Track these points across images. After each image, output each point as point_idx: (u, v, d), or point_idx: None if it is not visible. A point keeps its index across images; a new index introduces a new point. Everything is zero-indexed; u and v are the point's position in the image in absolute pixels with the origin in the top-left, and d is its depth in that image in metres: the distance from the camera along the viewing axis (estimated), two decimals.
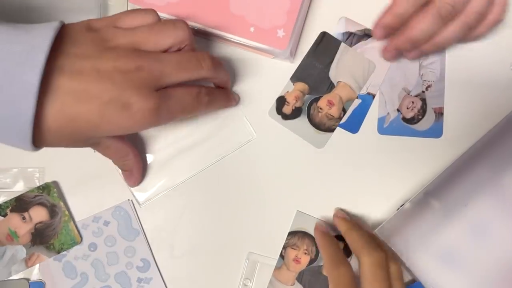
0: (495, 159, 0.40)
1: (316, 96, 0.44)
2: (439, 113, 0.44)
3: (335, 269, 0.38)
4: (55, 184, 0.44)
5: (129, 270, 0.44)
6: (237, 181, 0.44)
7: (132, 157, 0.41)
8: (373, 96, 0.45)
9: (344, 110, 0.44)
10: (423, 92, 0.44)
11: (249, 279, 0.44)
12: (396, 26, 0.41)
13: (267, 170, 0.44)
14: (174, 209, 0.44)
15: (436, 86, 0.44)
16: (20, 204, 0.43)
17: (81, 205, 0.44)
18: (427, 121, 0.44)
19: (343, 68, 0.44)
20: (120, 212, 0.44)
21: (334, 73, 0.45)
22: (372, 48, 0.45)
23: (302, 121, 0.44)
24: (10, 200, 0.43)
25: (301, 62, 0.45)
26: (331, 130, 0.44)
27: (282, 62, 0.45)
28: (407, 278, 0.43)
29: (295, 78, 0.45)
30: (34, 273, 0.43)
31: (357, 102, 0.45)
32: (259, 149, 0.45)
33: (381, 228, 0.41)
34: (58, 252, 0.43)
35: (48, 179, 0.44)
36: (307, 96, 0.45)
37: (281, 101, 0.45)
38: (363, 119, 0.45)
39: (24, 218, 0.43)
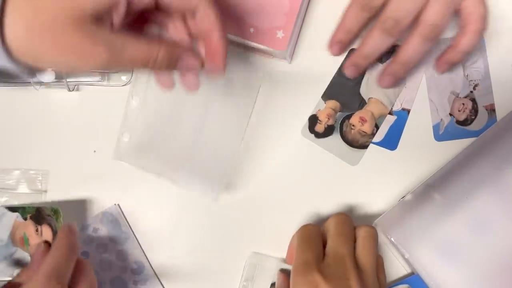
0: (498, 154, 0.40)
1: (348, 113, 0.44)
2: (491, 110, 0.44)
3: (304, 227, 0.39)
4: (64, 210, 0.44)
5: (124, 274, 0.43)
6: (246, 188, 0.45)
7: (164, 51, 0.33)
8: (408, 111, 0.44)
9: (377, 126, 0.44)
10: (471, 92, 0.44)
11: (249, 280, 0.43)
12: (347, 41, 0.42)
13: (279, 173, 0.45)
14: (175, 209, 0.45)
15: (483, 83, 0.44)
16: (38, 216, 0.44)
17: (73, 213, 0.45)
18: (480, 120, 0.44)
19: (374, 84, 0.44)
20: (108, 217, 0.44)
21: (365, 90, 0.44)
22: None
23: (335, 139, 0.44)
24: (33, 207, 0.44)
25: (332, 80, 0.44)
26: (364, 146, 0.44)
27: (280, 62, 0.45)
28: (406, 270, 0.43)
29: (326, 96, 0.45)
30: None
31: (392, 118, 0.44)
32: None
33: (381, 219, 0.41)
34: None
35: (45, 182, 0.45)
36: (339, 113, 0.44)
37: (313, 120, 0.45)
38: (401, 135, 0.44)
39: (37, 230, 0.44)
